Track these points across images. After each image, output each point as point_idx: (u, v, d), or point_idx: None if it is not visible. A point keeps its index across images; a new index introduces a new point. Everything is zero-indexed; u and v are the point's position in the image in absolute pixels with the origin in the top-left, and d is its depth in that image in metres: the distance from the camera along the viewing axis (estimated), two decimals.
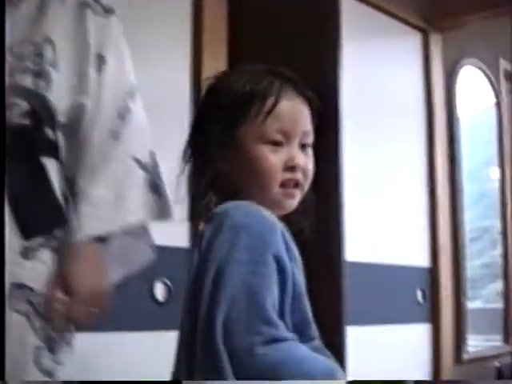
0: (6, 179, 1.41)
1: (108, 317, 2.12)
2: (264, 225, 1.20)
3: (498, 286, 4.22)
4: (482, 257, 4.49)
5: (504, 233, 4.18)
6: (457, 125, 3.73)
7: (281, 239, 1.20)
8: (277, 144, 1.27)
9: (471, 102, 4.25)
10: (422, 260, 3.33)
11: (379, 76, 3.16)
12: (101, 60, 1.57)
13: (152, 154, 1.63)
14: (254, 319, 1.10)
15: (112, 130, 1.55)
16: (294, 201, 1.31)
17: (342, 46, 2.79)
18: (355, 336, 2.80)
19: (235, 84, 1.31)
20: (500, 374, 3.63)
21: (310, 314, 1.25)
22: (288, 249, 1.22)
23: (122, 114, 1.57)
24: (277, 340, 1.10)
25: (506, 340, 4.07)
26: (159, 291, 2.24)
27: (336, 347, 2.80)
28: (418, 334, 3.30)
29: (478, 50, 4.05)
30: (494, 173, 4.31)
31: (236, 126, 1.28)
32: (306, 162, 1.31)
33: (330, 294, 2.80)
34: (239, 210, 1.22)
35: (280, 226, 1.22)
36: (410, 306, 3.24)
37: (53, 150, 1.53)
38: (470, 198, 4.28)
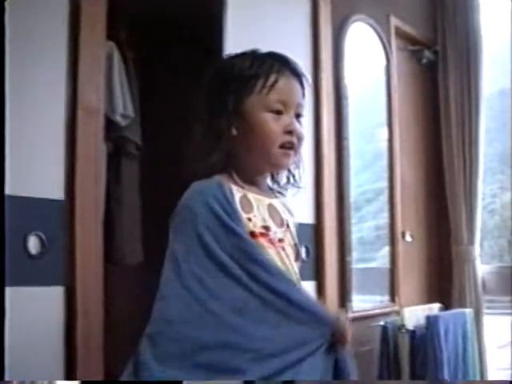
0: None
1: None
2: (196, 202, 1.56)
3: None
4: (376, 218, 4.66)
5: (391, 194, 4.39)
6: (344, 84, 3.85)
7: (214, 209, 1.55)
8: (278, 112, 1.64)
9: (364, 60, 4.41)
10: (306, 217, 3.44)
11: (264, 29, 3.21)
12: None
13: None
14: None
15: None
16: (289, 160, 1.68)
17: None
18: None
19: (243, 64, 1.69)
20: (384, 333, 3.84)
21: None
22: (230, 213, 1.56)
23: None
24: None
25: (392, 299, 4.30)
26: (32, 244, 2.28)
27: None
28: None
29: (368, 6, 4.17)
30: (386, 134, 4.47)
31: (245, 97, 1.64)
32: (300, 129, 1.67)
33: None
34: (191, 189, 1.61)
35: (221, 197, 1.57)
36: None
37: None
38: (365, 159, 4.45)
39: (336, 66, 3.79)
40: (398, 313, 4.03)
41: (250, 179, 1.68)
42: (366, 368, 3.86)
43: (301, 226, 3.27)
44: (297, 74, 1.72)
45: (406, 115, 4.65)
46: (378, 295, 4.38)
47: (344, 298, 3.75)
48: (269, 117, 1.64)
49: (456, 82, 4.89)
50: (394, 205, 4.38)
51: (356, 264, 3.96)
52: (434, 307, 4.28)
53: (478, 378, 4.17)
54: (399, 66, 4.59)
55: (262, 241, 1.60)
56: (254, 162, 1.67)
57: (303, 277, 3.31)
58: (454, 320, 4.02)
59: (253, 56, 1.72)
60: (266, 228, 1.63)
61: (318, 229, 3.49)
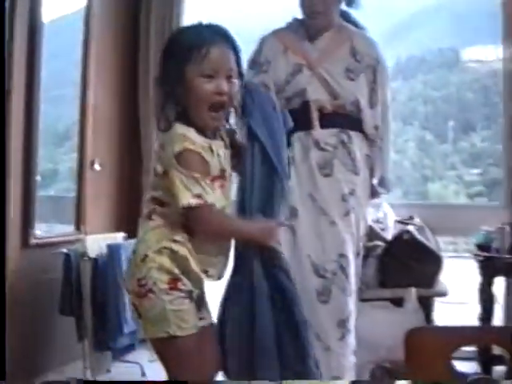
0: None
1: None
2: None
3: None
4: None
5: (81, 124, 4.56)
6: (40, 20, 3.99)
7: None
8: (209, 77, 2.24)
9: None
10: None
11: None
12: None
13: None
14: None
15: None
16: (218, 122, 2.33)
17: None
18: None
19: (184, 37, 2.31)
20: (67, 260, 4.01)
21: None
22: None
23: None
24: None
25: (78, 228, 4.49)
26: None
27: None
28: None
29: None
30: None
31: (184, 65, 2.24)
32: (230, 88, 2.28)
33: None
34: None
35: None
36: None
37: None
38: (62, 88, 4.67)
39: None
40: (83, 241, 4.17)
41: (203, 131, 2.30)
42: (49, 295, 4.08)
43: None
44: (229, 42, 2.29)
45: (104, 50, 4.76)
46: (65, 224, 4.55)
47: (26, 225, 3.92)
48: (202, 81, 2.23)
49: (158, 25, 5.05)
50: (83, 134, 4.54)
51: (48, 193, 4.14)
52: (118, 236, 4.51)
53: None
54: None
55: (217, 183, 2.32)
56: (193, 115, 2.28)
57: None
58: None
59: (194, 28, 2.33)
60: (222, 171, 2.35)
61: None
